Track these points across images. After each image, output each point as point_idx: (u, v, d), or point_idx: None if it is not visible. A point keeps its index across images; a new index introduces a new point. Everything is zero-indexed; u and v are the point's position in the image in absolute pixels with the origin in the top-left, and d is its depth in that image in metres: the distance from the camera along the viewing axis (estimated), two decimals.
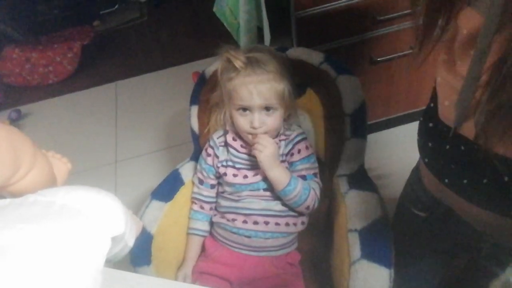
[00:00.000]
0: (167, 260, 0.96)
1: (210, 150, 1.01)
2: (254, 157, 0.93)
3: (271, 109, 0.91)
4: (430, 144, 0.63)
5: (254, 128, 0.91)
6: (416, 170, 0.75)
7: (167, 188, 1.01)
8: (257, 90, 0.88)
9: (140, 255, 0.89)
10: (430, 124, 0.62)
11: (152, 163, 1.72)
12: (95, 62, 2.37)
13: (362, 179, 0.92)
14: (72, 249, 0.41)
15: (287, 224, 0.94)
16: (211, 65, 1.06)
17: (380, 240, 0.79)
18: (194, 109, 1.07)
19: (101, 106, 2.09)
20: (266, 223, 0.93)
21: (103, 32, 2.57)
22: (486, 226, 0.63)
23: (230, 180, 0.96)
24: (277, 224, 0.94)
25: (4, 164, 0.43)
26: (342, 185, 0.92)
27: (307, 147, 0.97)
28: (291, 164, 0.96)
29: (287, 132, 0.98)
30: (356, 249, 0.78)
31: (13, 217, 0.41)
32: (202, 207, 1.01)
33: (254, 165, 0.95)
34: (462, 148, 0.55)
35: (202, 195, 1.01)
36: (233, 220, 0.95)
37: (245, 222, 0.94)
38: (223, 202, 0.99)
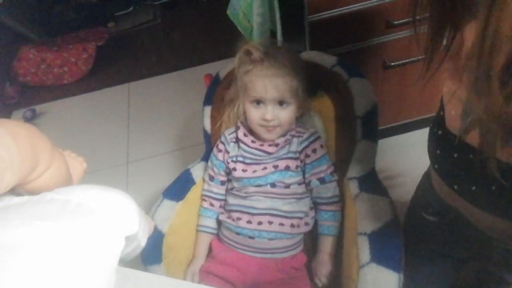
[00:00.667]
0: (178, 259, 0.97)
1: (221, 146, 1.03)
2: (264, 152, 0.97)
3: (285, 103, 0.93)
4: (438, 152, 0.63)
5: (266, 120, 0.93)
6: (427, 175, 0.75)
7: (179, 188, 1.02)
8: (272, 84, 0.91)
9: (151, 253, 0.90)
10: (439, 132, 0.62)
11: (163, 164, 1.74)
12: (109, 63, 2.40)
13: (373, 182, 0.91)
14: (87, 248, 0.41)
15: (292, 226, 0.94)
16: (226, 67, 1.08)
17: (390, 244, 0.78)
18: (208, 110, 1.08)
19: (114, 107, 2.11)
20: (270, 222, 0.93)
21: (117, 33, 2.61)
22: (496, 232, 0.63)
23: (239, 175, 0.98)
24: (281, 224, 0.93)
25: (24, 161, 0.44)
26: (352, 187, 0.92)
27: (321, 146, 0.98)
28: (307, 165, 0.97)
29: (300, 129, 0.99)
30: (365, 253, 0.78)
31: (30, 214, 0.41)
32: (212, 204, 1.02)
33: (263, 160, 0.98)
34: (471, 156, 0.55)
35: (212, 192, 1.03)
36: (238, 219, 0.95)
37: (249, 222, 0.94)
38: (231, 200, 1.00)
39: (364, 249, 0.79)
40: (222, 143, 1.03)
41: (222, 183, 1.03)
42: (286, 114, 0.94)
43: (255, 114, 0.95)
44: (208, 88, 1.10)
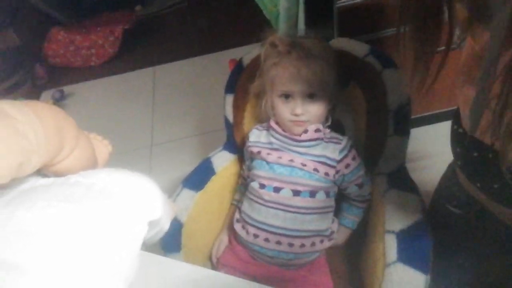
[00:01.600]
0: (196, 248, 0.97)
1: (250, 135, 0.99)
2: (293, 140, 0.91)
3: (315, 96, 0.87)
4: (458, 150, 0.63)
5: (296, 115, 0.88)
6: (451, 167, 0.74)
7: (199, 177, 1.00)
8: (300, 75, 0.85)
9: (170, 242, 0.90)
10: (460, 130, 0.62)
11: (186, 148, 1.74)
12: (135, 46, 2.41)
13: (402, 179, 0.88)
14: (110, 231, 0.41)
15: (312, 244, 0.89)
16: (249, 53, 1.03)
17: (419, 244, 0.76)
18: (229, 98, 1.04)
19: (140, 90, 2.13)
20: (290, 245, 0.88)
21: (144, 16, 2.61)
22: None
23: (263, 157, 0.92)
24: (302, 246, 0.88)
25: (50, 144, 0.44)
26: (381, 184, 0.89)
27: (358, 153, 0.93)
28: (346, 175, 0.91)
29: (336, 135, 0.93)
30: (392, 252, 0.76)
31: (56, 196, 0.42)
32: (244, 182, 1.03)
33: (293, 148, 0.92)
34: (490, 156, 0.55)
35: (245, 174, 1.03)
36: (255, 236, 0.90)
37: (267, 240, 0.89)
38: (246, 208, 0.94)
39: (391, 248, 0.76)
40: (249, 133, 1.00)
41: (249, 168, 1.01)
42: (316, 107, 0.88)
43: (284, 109, 0.89)
44: (230, 76, 1.06)
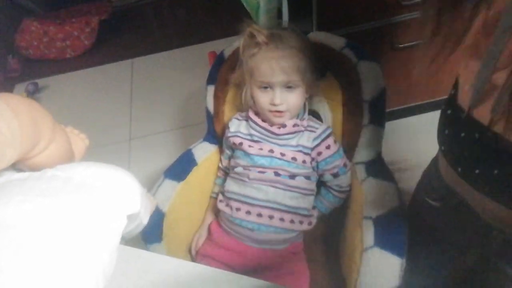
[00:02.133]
0: (178, 238, 0.97)
1: (227, 132, 1.01)
2: (271, 132, 0.94)
3: (293, 86, 0.89)
4: (446, 132, 0.64)
5: (274, 105, 0.90)
6: (435, 160, 0.75)
7: (180, 168, 1.01)
8: (279, 66, 0.87)
9: (152, 232, 0.90)
10: (449, 111, 0.62)
11: (166, 142, 1.73)
12: (112, 38, 2.37)
13: (380, 167, 0.91)
14: (88, 226, 0.41)
15: (292, 222, 0.92)
16: (231, 45, 1.04)
17: (395, 229, 0.78)
18: (211, 89, 1.06)
19: (117, 83, 2.09)
20: (271, 217, 0.91)
21: (121, 7, 2.57)
22: (496, 220, 0.63)
23: (245, 149, 0.95)
24: (281, 219, 0.91)
25: (25, 137, 0.43)
26: (359, 172, 0.91)
27: (335, 141, 0.95)
28: (319, 163, 0.94)
29: (313, 124, 0.96)
30: (369, 237, 0.78)
31: (32, 191, 0.41)
32: (223, 175, 1.05)
33: (271, 140, 0.95)
34: (476, 135, 0.55)
35: (223, 165, 1.05)
36: (237, 209, 0.93)
37: (248, 213, 0.92)
38: (231, 186, 0.97)
39: (368, 233, 0.79)
40: (229, 122, 1.02)
41: (229, 157, 1.04)
42: (294, 97, 0.91)
43: (263, 99, 0.92)
44: (212, 67, 1.07)
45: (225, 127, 1.04)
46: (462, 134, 0.59)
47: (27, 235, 0.36)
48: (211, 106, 1.06)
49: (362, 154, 0.93)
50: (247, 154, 0.95)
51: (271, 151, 0.93)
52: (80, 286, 0.36)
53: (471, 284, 0.93)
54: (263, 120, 0.96)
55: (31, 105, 0.46)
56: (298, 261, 0.95)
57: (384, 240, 0.77)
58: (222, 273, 0.44)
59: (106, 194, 0.46)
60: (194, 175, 1.01)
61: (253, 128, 0.97)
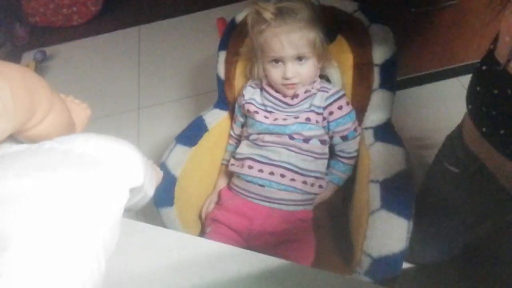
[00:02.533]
0: (189, 203, 0.99)
1: (240, 100, 1.03)
2: (285, 103, 0.96)
3: (303, 58, 0.91)
4: (478, 88, 0.64)
5: (287, 79, 0.92)
6: (459, 125, 0.76)
7: (192, 134, 1.02)
8: (288, 40, 0.88)
9: (163, 196, 0.92)
10: (484, 67, 0.62)
11: (174, 111, 1.72)
12: (119, 5, 2.32)
13: (388, 132, 0.90)
14: (89, 200, 0.40)
15: (304, 182, 0.93)
16: (242, 12, 1.05)
17: (401, 192, 0.78)
18: (222, 55, 1.06)
19: (124, 51, 2.07)
20: (282, 176, 0.93)
21: None
22: None
23: (260, 119, 0.97)
24: (292, 180, 0.93)
25: (19, 107, 0.41)
26: (367, 137, 0.91)
27: (347, 103, 0.95)
28: (330, 123, 0.95)
29: (326, 85, 0.97)
30: (376, 200, 0.78)
31: (29, 164, 0.40)
32: (235, 142, 1.07)
33: (285, 110, 0.97)
34: (509, 92, 0.55)
35: (234, 133, 1.07)
36: (250, 167, 0.95)
37: (260, 171, 0.94)
38: (245, 149, 0.99)
39: (375, 196, 0.79)
40: (242, 96, 1.03)
41: (242, 125, 1.06)
42: (306, 69, 0.92)
43: (275, 74, 0.94)
44: (224, 33, 1.07)
45: (238, 93, 1.05)
46: (495, 91, 0.59)
47: (23, 210, 0.35)
48: (222, 72, 1.07)
49: (371, 118, 0.93)
50: (261, 123, 0.97)
51: (285, 119, 0.96)
52: (79, 260, 0.36)
53: (482, 253, 0.93)
54: (277, 91, 0.98)
55: (25, 73, 0.44)
56: (305, 229, 0.95)
57: (391, 203, 0.77)
58: (226, 247, 0.43)
59: (107, 167, 0.44)
60: (205, 141, 1.03)
61: (267, 99, 0.99)
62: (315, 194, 0.96)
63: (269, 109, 0.98)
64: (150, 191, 0.59)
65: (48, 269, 0.33)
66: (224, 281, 0.43)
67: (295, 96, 0.95)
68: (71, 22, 2.27)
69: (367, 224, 0.77)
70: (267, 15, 0.88)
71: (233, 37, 1.05)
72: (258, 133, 0.98)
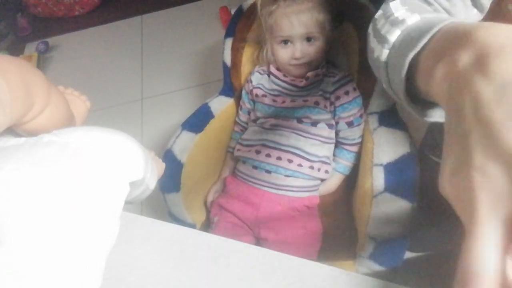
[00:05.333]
0: (195, 189, 0.99)
1: (248, 86, 1.04)
2: (294, 86, 0.98)
3: (312, 38, 0.93)
4: None
5: (296, 59, 0.94)
6: None
7: (198, 120, 1.02)
8: (298, 20, 0.90)
9: (169, 182, 0.93)
10: None
11: (178, 101, 1.71)
12: None
13: (393, 117, 0.90)
14: (87, 194, 0.39)
15: (311, 167, 0.93)
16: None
17: (405, 175, 0.77)
18: (229, 42, 1.06)
19: (127, 40, 2.06)
20: (290, 161, 0.92)
21: None
22: None
23: (268, 102, 0.99)
24: (299, 165, 0.92)
25: (16, 99, 0.41)
26: (371, 122, 0.91)
27: (354, 89, 0.96)
28: (337, 108, 0.95)
29: (333, 70, 0.98)
30: (379, 183, 0.78)
31: (26, 158, 0.39)
32: (241, 130, 1.07)
33: (293, 93, 0.98)
34: None
35: (241, 120, 1.07)
36: (257, 152, 0.95)
37: (268, 155, 0.93)
38: (252, 135, 0.99)
39: (378, 179, 0.78)
40: (248, 82, 1.04)
41: (249, 112, 1.06)
42: (314, 49, 0.93)
43: (284, 54, 0.95)
44: (231, 20, 1.08)
45: (245, 80, 1.05)
46: None
47: (19, 205, 0.34)
48: (228, 59, 1.07)
49: (377, 104, 0.93)
50: (270, 106, 0.98)
51: (293, 101, 0.97)
52: (77, 255, 0.35)
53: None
54: (285, 75, 1.00)
55: (21, 65, 0.43)
56: (311, 216, 0.95)
57: (395, 185, 0.76)
58: (227, 241, 0.43)
59: (106, 161, 0.44)
60: (212, 127, 1.03)
61: (275, 83, 1.01)
62: (322, 179, 0.96)
63: (277, 93, 1.00)
64: (152, 184, 0.58)
65: (44, 264, 0.32)
66: (225, 275, 0.42)
67: (304, 78, 0.97)
68: (73, 12, 2.26)
69: (370, 207, 0.78)
70: None
71: (240, 24, 1.05)
72: (266, 117, 0.98)
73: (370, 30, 0.53)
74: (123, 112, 1.73)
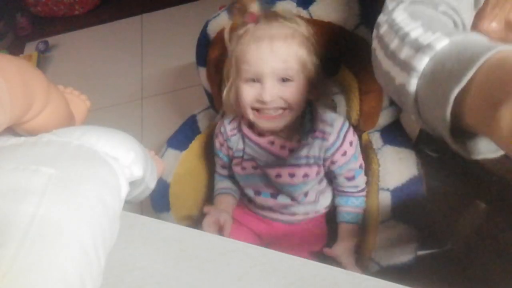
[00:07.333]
0: (185, 207, 0.96)
1: (221, 139, 0.86)
2: (275, 155, 0.79)
3: (289, 79, 0.69)
4: None
5: (262, 102, 0.69)
6: None
7: (183, 136, 0.99)
8: (270, 47, 0.67)
9: (159, 202, 0.90)
10: None
11: (178, 101, 1.70)
12: None
13: (396, 134, 0.85)
14: (87, 193, 0.39)
15: (305, 213, 0.87)
16: (214, 18, 0.91)
17: (412, 200, 0.75)
18: (203, 71, 0.97)
19: (127, 40, 2.05)
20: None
21: None
22: (494, 163, 0.63)
23: (249, 173, 0.81)
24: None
25: (15, 99, 0.41)
26: (374, 140, 0.86)
27: (351, 143, 0.79)
28: (334, 170, 0.80)
29: (323, 127, 0.77)
30: (386, 209, 0.76)
31: (27, 157, 0.39)
32: (225, 174, 0.93)
33: (276, 164, 0.79)
34: None
35: (220, 173, 0.94)
36: (255, 206, 0.89)
37: (270, 209, 0.87)
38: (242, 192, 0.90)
39: (386, 205, 0.76)
40: (222, 135, 0.85)
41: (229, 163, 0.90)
42: (290, 91, 0.69)
43: (247, 92, 0.70)
44: (197, 47, 0.96)
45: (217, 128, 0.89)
46: None
47: (19, 205, 0.34)
48: (207, 87, 0.99)
49: (378, 123, 0.88)
50: (252, 175, 0.83)
51: (279, 175, 0.79)
52: (78, 254, 0.35)
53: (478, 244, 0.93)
54: (260, 134, 0.79)
55: (20, 65, 0.43)
56: (321, 227, 0.90)
57: (402, 213, 0.74)
58: (227, 241, 0.43)
59: (106, 160, 0.44)
60: (198, 144, 0.99)
61: (252, 149, 0.80)
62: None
63: (260, 163, 0.80)
64: (152, 183, 0.58)
65: (45, 263, 0.32)
66: (225, 275, 0.42)
67: (289, 149, 0.77)
68: (73, 11, 2.25)
69: (375, 232, 0.75)
70: (248, 16, 0.70)
71: (210, 52, 0.92)
72: (250, 186, 0.86)
73: (375, 45, 0.49)
74: (123, 112, 1.73)
